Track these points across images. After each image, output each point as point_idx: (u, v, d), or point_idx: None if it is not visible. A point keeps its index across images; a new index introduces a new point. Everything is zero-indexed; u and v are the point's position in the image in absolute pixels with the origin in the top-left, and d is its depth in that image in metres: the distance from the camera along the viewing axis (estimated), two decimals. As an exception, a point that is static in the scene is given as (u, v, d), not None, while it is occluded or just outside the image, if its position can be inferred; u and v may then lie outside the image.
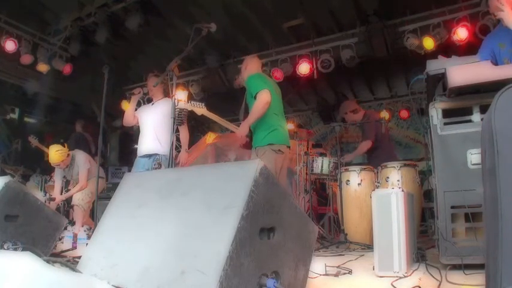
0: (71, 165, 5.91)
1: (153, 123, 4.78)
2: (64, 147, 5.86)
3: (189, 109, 4.04)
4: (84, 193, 5.81)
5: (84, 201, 5.84)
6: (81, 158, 5.90)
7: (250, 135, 4.06)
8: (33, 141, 7.04)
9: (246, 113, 4.15)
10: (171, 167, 3.57)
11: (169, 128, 4.71)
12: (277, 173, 3.91)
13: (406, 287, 2.21)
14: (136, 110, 5.09)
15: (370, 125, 5.52)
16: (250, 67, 4.28)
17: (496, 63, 3.00)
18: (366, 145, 5.49)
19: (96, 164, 5.33)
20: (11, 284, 1.34)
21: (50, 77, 7.34)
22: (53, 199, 5.87)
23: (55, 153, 5.70)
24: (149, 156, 4.68)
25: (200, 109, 4.01)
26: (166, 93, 5.00)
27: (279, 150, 3.92)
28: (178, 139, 4.76)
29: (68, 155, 5.87)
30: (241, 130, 3.93)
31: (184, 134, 4.74)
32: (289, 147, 4.15)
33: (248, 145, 4.27)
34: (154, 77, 4.97)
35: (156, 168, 4.53)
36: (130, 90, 8.83)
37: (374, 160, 5.19)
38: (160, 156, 4.58)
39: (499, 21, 3.28)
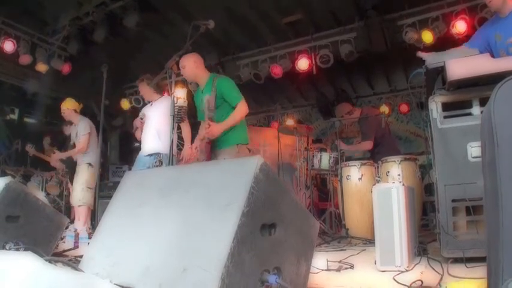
0: (75, 125, 6.02)
1: (154, 123, 4.81)
2: (79, 105, 6.10)
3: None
4: (82, 192, 5.76)
5: (86, 199, 5.82)
6: (83, 123, 5.94)
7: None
8: (31, 150, 7.05)
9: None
10: (172, 164, 3.57)
11: (170, 126, 4.73)
12: None
13: (408, 281, 2.21)
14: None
15: (368, 124, 5.49)
16: (201, 65, 4.19)
17: (492, 54, 2.99)
18: (366, 146, 5.47)
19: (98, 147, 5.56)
20: (12, 284, 1.34)
21: (49, 77, 7.34)
22: (53, 152, 6.15)
23: (69, 99, 6.03)
24: (151, 155, 4.71)
25: None
26: (160, 91, 5.00)
27: (252, 151, 4.01)
28: (180, 137, 4.76)
29: (76, 111, 6.01)
30: (216, 131, 3.82)
31: (186, 130, 4.73)
32: None
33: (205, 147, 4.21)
34: (142, 82, 5.00)
35: (156, 166, 4.54)
36: (129, 88, 8.84)
37: (376, 156, 5.17)
38: (162, 154, 4.60)
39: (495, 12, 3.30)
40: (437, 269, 2.45)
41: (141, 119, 4.92)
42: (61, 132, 7.05)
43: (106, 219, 2.06)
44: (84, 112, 6.22)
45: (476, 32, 3.52)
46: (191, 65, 4.11)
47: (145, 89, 5.03)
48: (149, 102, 5.10)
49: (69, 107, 5.99)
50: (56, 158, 6.15)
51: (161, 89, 5.01)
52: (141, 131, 4.96)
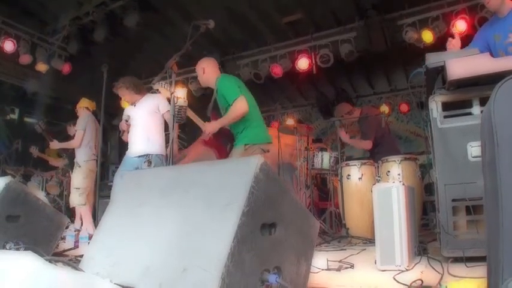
0: None
1: (141, 123, 4.73)
2: (92, 102, 6.14)
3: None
4: (77, 194, 5.70)
5: (75, 200, 5.74)
6: (81, 119, 5.93)
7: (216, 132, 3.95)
8: (35, 151, 7.15)
9: (214, 110, 4.12)
10: (170, 164, 3.55)
11: (158, 124, 4.69)
12: None
13: (408, 281, 2.21)
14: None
15: (368, 124, 5.49)
16: (210, 70, 4.16)
17: (492, 55, 2.99)
18: (365, 145, 5.46)
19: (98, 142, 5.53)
20: (12, 284, 1.34)
21: (49, 76, 7.33)
22: (52, 140, 6.11)
23: (83, 99, 6.14)
24: (140, 156, 4.65)
25: (167, 92, 3.76)
26: (139, 91, 4.92)
27: (268, 150, 3.91)
28: (178, 137, 4.72)
29: (88, 108, 6.06)
30: (211, 128, 3.86)
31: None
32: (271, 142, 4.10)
33: (210, 142, 4.15)
34: (120, 87, 4.90)
35: (146, 167, 4.49)
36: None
37: (376, 156, 5.17)
38: (151, 155, 4.56)
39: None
40: (438, 268, 2.45)
41: (126, 121, 4.79)
42: (63, 131, 7.04)
43: (106, 219, 2.06)
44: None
45: (476, 33, 3.52)
46: (200, 73, 4.17)
47: (125, 93, 4.92)
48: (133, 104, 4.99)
49: (81, 105, 6.07)
50: (53, 146, 6.16)
51: (140, 89, 4.94)
52: (128, 132, 4.86)
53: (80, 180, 5.73)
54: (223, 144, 4.06)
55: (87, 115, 5.99)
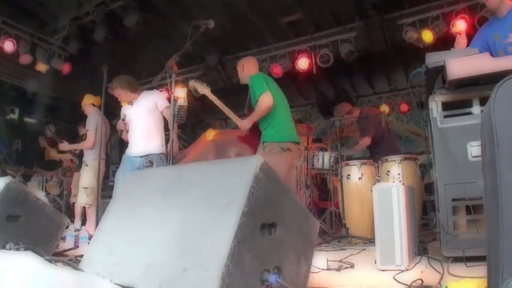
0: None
1: (140, 123, 4.68)
2: (97, 97, 5.95)
3: (194, 90, 4.07)
4: (85, 194, 5.62)
5: (80, 199, 5.71)
6: (91, 117, 5.80)
7: (251, 128, 4.05)
8: (43, 141, 7.12)
9: (250, 107, 4.20)
10: (170, 164, 3.56)
11: (157, 122, 4.68)
12: (287, 171, 3.91)
13: (408, 281, 2.20)
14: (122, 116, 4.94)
15: (368, 122, 5.51)
16: (248, 68, 4.28)
17: (491, 55, 2.99)
18: (365, 142, 5.48)
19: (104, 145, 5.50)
20: (12, 284, 1.34)
21: (49, 76, 7.34)
22: (61, 142, 6.04)
23: (87, 95, 6.02)
24: (141, 156, 4.61)
25: (204, 89, 4.10)
26: (134, 90, 4.83)
27: (288, 148, 3.95)
28: (179, 137, 4.70)
29: (94, 105, 5.94)
30: (245, 124, 4.01)
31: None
32: (297, 143, 4.18)
33: (246, 138, 4.23)
34: (116, 88, 4.79)
35: (147, 167, 4.47)
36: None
37: (376, 156, 5.18)
38: (152, 155, 4.56)
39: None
40: (438, 268, 2.45)
41: (123, 120, 4.76)
42: (63, 131, 7.03)
43: (106, 219, 2.06)
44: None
45: (476, 33, 3.53)
46: (239, 70, 4.33)
47: (120, 93, 4.82)
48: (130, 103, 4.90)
49: (86, 102, 5.96)
50: (63, 148, 6.09)
51: (135, 88, 4.87)
52: (127, 131, 4.81)
53: (88, 180, 5.63)
54: (259, 141, 4.14)
55: (96, 113, 5.83)
